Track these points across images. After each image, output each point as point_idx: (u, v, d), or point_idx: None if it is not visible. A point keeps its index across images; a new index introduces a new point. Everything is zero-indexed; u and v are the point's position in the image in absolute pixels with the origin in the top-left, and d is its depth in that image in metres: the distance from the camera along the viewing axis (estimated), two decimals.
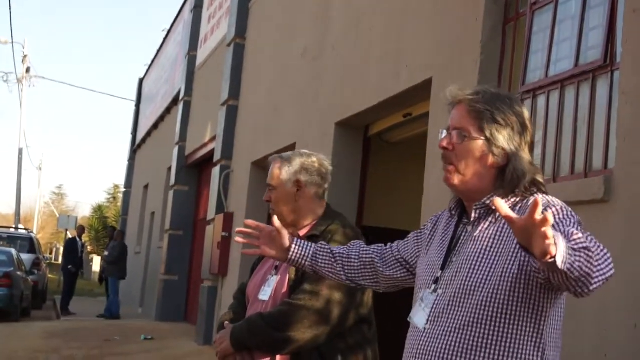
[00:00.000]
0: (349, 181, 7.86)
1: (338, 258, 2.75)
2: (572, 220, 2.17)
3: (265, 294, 3.42)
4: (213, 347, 3.42)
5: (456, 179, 2.34)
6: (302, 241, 2.76)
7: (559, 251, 1.89)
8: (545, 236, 1.85)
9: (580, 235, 1.99)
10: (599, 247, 2.02)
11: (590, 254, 1.96)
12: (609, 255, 2.03)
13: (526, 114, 2.37)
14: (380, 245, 2.78)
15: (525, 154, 2.32)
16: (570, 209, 2.22)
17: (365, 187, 8.08)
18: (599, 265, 1.99)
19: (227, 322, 3.49)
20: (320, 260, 2.74)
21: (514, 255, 2.20)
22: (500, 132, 2.30)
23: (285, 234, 2.73)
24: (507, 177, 2.30)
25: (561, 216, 2.17)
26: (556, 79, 4.66)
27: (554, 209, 2.19)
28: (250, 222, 2.76)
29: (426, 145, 5.88)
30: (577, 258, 1.93)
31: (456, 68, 5.53)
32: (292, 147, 8.78)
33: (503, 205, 1.94)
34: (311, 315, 3.21)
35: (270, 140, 9.91)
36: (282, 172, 3.44)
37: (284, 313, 3.24)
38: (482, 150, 2.31)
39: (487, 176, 2.32)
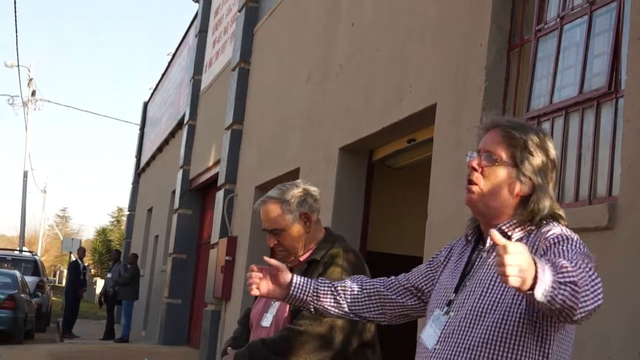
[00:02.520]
0: (353, 206, 7.85)
1: (340, 291, 2.73)
2: (580, 253, 2.18)
3: (267, 320, 3.44)
4: None
5: (477, 198, 2.37)
6: (302, 277, 2.74)
7: (540, 283, 1.91)
8: (500, 264, 1.88)
9: (570, 268, 2.00)
10: (590, 277, 2.03)
11: (577, 288, 1.98)
12: (599, 285, 2.05)
13: (554, 151, 2.41)
14: (382, 277, 2.78)
15: (550, 189, 2.36)
16: (583, 243, 2.24)
17: (369, 212, 8.06)
18: (584, 299, 2.00)
19: (229, 348, 3.49)
20: (322, 295, 2.71)
21: None
22: (530, 162, 2.35)
23: (285, 270, 2.71)
24: (529, 206, 2.33)
25: (566, 247, 2.19)
26: (560, 105, 4.66)
27: (567, 240, 2.22)
28: (255, 267, 2.72)
29: (430, 170, 5.88)
30: (561, 292, 1.96)
31: (460, 94, 5.53)
32: (296, 171, 8.79)
33: (499, 238, 1.94)
34: (312, 340, 3.21)
35: (275, 164, 9.91)
36: (284, 212, 3.38)
37: (285, 338, 3.24)
38: (510, 177, 2.35)
39: (511, 203, 2.36)
